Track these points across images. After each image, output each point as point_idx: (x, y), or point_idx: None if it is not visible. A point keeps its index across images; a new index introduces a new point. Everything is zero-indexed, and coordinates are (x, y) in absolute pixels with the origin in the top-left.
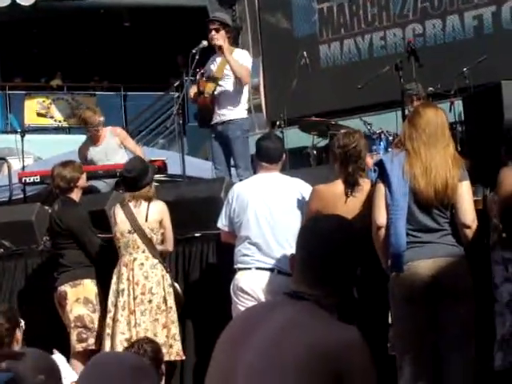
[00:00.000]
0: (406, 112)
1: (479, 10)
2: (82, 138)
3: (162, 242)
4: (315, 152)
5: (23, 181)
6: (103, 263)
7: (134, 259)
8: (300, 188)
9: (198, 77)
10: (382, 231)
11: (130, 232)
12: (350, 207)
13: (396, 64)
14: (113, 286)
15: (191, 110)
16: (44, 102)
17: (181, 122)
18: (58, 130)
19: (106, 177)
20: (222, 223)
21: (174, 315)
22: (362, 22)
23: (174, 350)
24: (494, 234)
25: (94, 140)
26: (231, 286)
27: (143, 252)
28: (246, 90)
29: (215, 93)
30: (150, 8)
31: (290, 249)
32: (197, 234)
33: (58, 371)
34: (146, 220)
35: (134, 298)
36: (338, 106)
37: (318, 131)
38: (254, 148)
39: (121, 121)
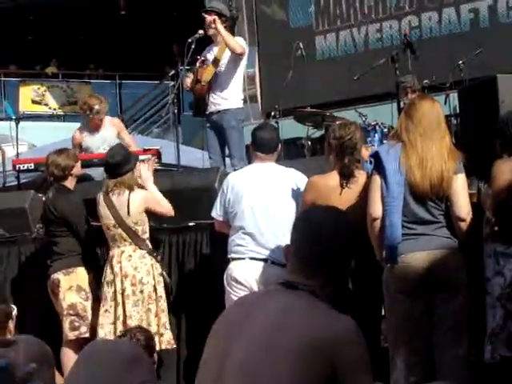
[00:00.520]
0: (401, 104)
1: (475, 3)
2: (77, 125)
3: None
4: (310, 143)
5: (17, 168)
6: (97, 251)
7: (122, 252)
8: (295, 178)
9: (197, 64)
10: (377, 223)
11: (114, 226)
12: (344, 199)
13: (392, 56)
14: (104, 277)
15: (186, 99)
16: (39, 89)
17: (176, 111)
18: (52, 117)
19: (100, 165)
20: (216, 213)
21: (163, 304)
22: (358, 13)
23: (164, 339)
24: (487, 227)
25: (91, 127)
26: (225, 276)
27: (130, 244)
28: (241, 79)
29: (211, 82)
30: None
31: (285, 239)
32: (191, 224)
33: (50, 358)
34: (129, 214)
35: (123, 291)
36: (333, 97)
37: (313, 122)
38: (249, 138)
39: (116, 109)
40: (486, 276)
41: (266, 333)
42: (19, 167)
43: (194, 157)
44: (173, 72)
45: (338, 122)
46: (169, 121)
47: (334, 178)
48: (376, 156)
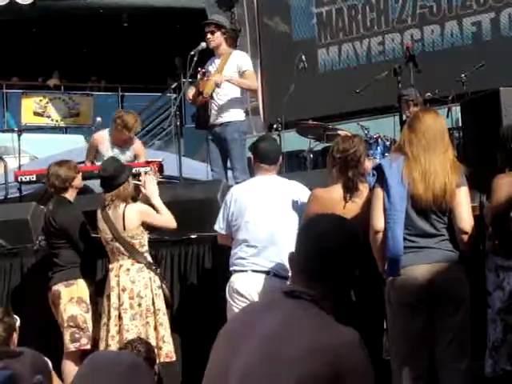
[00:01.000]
0: (403, 117)
1: (478, 17)
2: (79, 137)
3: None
4: (312, 156)
5: (19, 179)
6: (97, 263)
7: (121, 266)
8: (298, 191)
9: (199, 76)
10: (380, 235)
11: (112, 240)
12: (348, 212)
13: (394, 69)
14: (103, 291)
15: (188, 111)
16: (41, 101)
17: (178, 123)
18: (54, 129)
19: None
20: (219, 226)
21: (162, 317)
22: (360, 26)
23: (163, 352)
24: (489, 240)
25: (115, 141)
26: (227, 288)
27: (128, 258)
28: (243, 92)
29: (213, 94)
30: (149, 9)
31: (287, 252)
32: (193, 236)
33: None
34: (124, 229)
35: (120, 304)
36: (335, 110)
37: (315, 135)
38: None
39: None
40: (488, 290)
41: (266, 344)
42: (21, 179)
43: (196, 169)
44: (175, 84)
45: (341, 135)
46: (171, 133)
47: (337, 191)
48: (379, 168)
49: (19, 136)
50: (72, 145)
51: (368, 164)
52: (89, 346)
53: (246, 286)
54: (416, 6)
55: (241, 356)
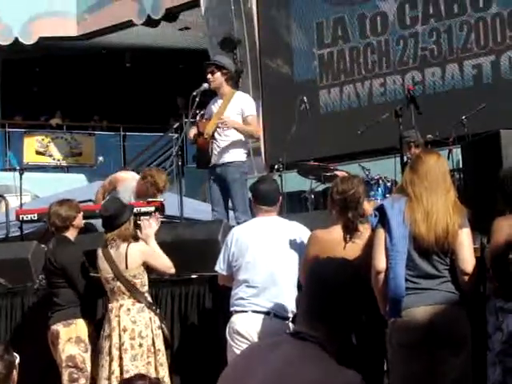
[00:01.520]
0: (405, 159)
1: (478, 60)
2: (80, 176)
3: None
4: (313, 196)
5: (20, 218)
6: (97, 303)
7: (121, 305)
8: (299, 232)
9: (197, 118)
10: (381, 276)
11: (113, 279)
12: (348, 253)
13: (395, 111)
14: (102, 331)
15: (190, 151)
16: (43, 140)
17: (180, 163)
18: (56, 168)
19: None
20: (220, 267)
21: (162, 358)
22: (362, 68)
23: None
24: (490, 283)
25: (137, 191)
26: (227, 329)
27: (129, 298)
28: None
29: (215, 134)
30: (152, 49)
31: (288, 293)
32: (193, 276)
33: None
34: (127, 268)
35: (121, 345)
36: (336, 151)
37: (317, 176)
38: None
39: (120, 161)
40: (488, 332)
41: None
42: (22, 218)
43: (198, 209)
44: (177, 124)
45: (339, 176)
46: (172, 173)
47: (337, 232)
48: (381, 209)
49: (21, 175)
50: (74, 184)
51: (367, 205)
52: None
53: (246, 326)
54: (417, 48)
55: None
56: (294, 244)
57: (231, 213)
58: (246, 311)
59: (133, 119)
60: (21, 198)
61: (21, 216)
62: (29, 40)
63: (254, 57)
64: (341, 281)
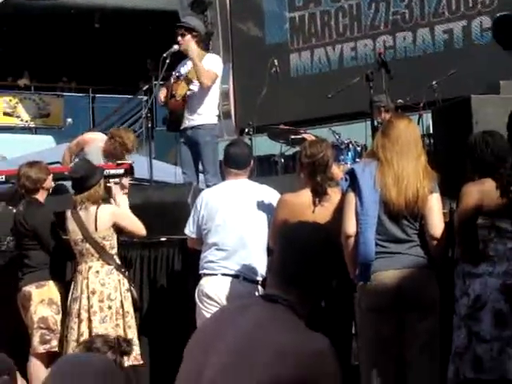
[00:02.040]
0: (375, 123)
1: (450, 25)
2: (48, 138)
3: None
4: (283, 160)
5: None
6: (67, 265)
7: (90, 267)
8: (269, 195)
9: (172, 79)
10: (351, 240)
11: (82, 241)
12: (317, 216)
13: (366, 75)
14: (71, 293)
15: (160, 114)
16: (10, 101)
17: (149, 125)
18: (24, 129)
19: None
20: (189, 230)
21: (130, 320)
22: (333, 32)
23: (131, 355)
24: (459, 247)
25: (105, 152)
26: (196, 292)
27: (98, 260)
28: (216, 95)
29: (186, 96)
30: (122, 10)
31: (257, 256)
32: (163, 239)
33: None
34: (96, 229)
35: (89, 307)
36: (307, 115)
37: (286, 139)
38: (222, 154)
39: (89, 123)
40: (455, 296)
41: (242, 346)
42: None
43: (167, 172)
44: (146, 86)
45: (308, 140)
46: (142, 135)
47: (306, 195)
48: (351, 173)
49: None
50: (42, 146)
51: (337, 169)
52: (58, 349)
53: (215, 289)
54: (389, 12)
55: (211, 365)
56: (263, 207)
57: (201, 176)
58: (215, 274)
59: (102, 81)
60: None
61: None
62: None
63: (225, 19)
64: (314, 245)
